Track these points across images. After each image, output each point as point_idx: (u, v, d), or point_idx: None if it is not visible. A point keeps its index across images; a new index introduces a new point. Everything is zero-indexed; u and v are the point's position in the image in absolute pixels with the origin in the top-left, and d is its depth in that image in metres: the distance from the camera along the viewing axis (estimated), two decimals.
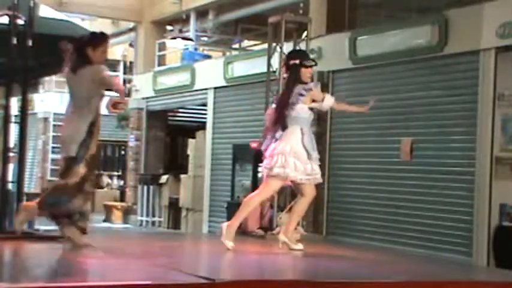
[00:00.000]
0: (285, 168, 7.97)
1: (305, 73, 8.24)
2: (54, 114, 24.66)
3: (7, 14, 8.40)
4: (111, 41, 20.05)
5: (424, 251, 10.89)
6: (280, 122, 8.14)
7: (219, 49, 20.88)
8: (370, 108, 8.27)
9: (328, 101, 8.18)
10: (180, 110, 19.58)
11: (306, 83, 8.14)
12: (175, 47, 19.50)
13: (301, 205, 8.21)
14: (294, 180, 8.03)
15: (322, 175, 8.08)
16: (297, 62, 8.24)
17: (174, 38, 18.12)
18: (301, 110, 8.10)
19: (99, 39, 7.50)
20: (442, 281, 6.64)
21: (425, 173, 11.26)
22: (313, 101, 8.11)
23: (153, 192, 18.60)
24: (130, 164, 19.84)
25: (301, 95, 8.12)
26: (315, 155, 8.12)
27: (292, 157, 7.99)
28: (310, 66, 8.27)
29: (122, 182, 22.06)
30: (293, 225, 8.23)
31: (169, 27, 20.22)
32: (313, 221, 12.75)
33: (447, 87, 11.16)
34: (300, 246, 8.16)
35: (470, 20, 10.75)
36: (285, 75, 8.49)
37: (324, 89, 8.33)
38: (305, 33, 12.00)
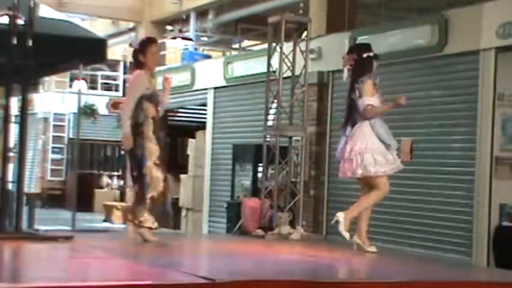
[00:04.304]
0: (366, 167, 7.90)
1: (374, 65, 8.24)
2: (54, 114, 24.72)
3: (7, 14, 8.39)
4: (111, 41, 20.34)
5: (424, 251, 10.88)
6: (351, 119, 8.11)
7: (219, 49, 20.87)
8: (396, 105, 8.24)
9: (364, 101, 8.06)
10: (180, 110, 19.55)
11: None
12: (175, 47, 19.48)
13: (372, 198, 8.08)
14: (378, 174, 7.91)
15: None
16: (371, 54, 8.27)
17: (174, 38, 18.11)
18: (361, 103, 8.01)
19: (145, 43, 8.37)
20: (442, 281, 6.64)
21: (425, 173, 11.24)
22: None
23: None
24: None
25: (357, 87, 8.11)
26: (393, 144, 8.08)
27: (370, 153, 7.90)
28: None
29: (122, 182, 22.05)
30: (364, 224, 8.15)
31: (169, 27, 20.21)
32: (313, 221, 12.74)
33: (447, 87, 11.15)
34: (373, 248, 8.13)
35: (470, 20, 10.73)
36: (348, 67, 8.36)
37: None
38: (305, 33, 11.99)
